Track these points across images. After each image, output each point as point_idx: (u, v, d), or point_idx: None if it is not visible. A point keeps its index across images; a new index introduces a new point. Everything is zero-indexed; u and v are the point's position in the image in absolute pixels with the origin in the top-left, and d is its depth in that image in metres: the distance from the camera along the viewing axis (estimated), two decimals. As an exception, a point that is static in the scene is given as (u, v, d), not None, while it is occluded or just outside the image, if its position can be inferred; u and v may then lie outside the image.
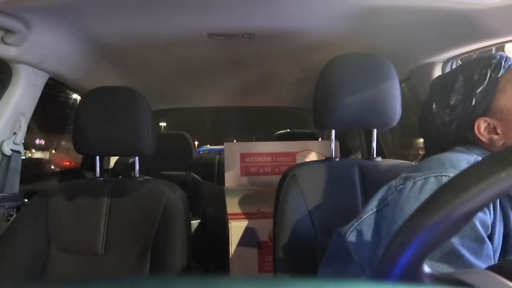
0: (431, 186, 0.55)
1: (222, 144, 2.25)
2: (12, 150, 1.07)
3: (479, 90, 0.63)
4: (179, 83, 1.77)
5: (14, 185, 1.10)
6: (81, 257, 0.98)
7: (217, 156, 2.51)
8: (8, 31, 0.90)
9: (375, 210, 0.63)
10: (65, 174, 1.97)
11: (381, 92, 0.90)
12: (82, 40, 1.11)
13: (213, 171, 2.40)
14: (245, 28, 1.05)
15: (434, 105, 0.69)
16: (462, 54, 1.12)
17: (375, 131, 1.01)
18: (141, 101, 1.02)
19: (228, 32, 1.08)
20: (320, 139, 2.36)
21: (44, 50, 1.04)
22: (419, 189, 0.56)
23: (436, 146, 0.69)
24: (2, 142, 1.05)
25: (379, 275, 0.33)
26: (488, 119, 0.62)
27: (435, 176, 0.56)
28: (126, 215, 1.01)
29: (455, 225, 0.29)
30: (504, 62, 0.63)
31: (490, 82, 0.63)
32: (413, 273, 0.31)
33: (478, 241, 0.50)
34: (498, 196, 0.28)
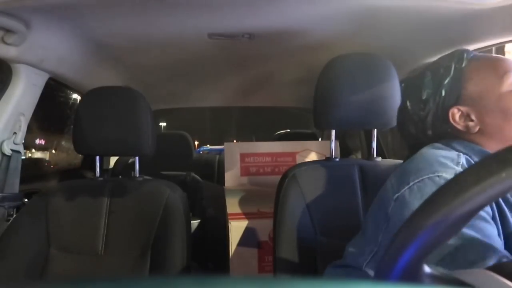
0: (430, 188, 0.55)
1: (222, 144, 2.25)
2: (12, 150, 1.07)
3: (446, 81, 0.67)
4: (179, 83, 1.77)
5: (14, 185, 1.10)
6: (81, 257, 0.98)
7: (217, 156, 2.51)
8: (8, 31, 0.90)
9: (383, 228, 0.63)
10: (65, 174, 1.97)
11: (381, 92, 0.90)
12: (82, 40, 1.11)
13: (213, 171, 2.40)
14: (245, 28, 1.05)
15: (408, 103, 0.73)
16: (462, 54, 1.12)
17: (375, 131, 1.01)
18: (141, 101, 1.02)
19: (228, 32, 1.08)
20: (320, 139, 2.36)
21: (44, 50, 1.04)
22: (419, 193, 0.56)
23: (418, 144, 0.71)
24: (2, 142, 1.05)
25: (380, 275, 0.33)
26: (460, 107, 0.65)
27: (428, 178, 0.56)
28: (126, 215, 1.01)
29: (455, 225, 0.29)
30: (466, 55, 0.67)
31: (455, 73, 0.66)
32: (413, 273, 0.31)
33: (486, 221, 0.51)
34: (498, 196, 0.28)
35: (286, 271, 0.88)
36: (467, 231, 0.49)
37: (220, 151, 3.04)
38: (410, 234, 0.30)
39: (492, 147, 0.62)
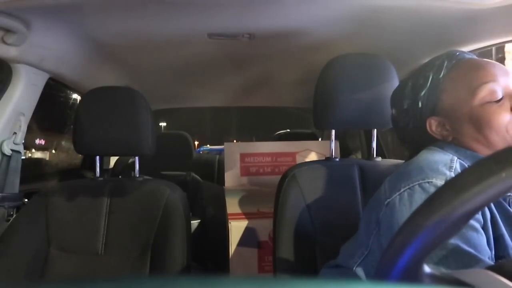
0: (419, 195, 0.56)
1: (222, 144, 2.25)
2: (12, 150, 1.07)
3: (422, 93, 0.68)
4: (179, 83, 1.77)
5: (14, 185, 1.10)
6: (81, 257, 0.98)
7: (217, 156, 2.51)
8: (8, 31, 0.90)
9: (374, 232, 0.64)
10: (65, 174, 1.97)
11: (381, 92, 0.90)
12: (82, 40, 1.11)
13: (213, 171, 2.39)
14: (245, 28, 1.05)
15: (393, 111, 0.75)
16: (462, 54, 1.11)
17: (375, 131, 1.01)
18: (141, 101, 1.02)
19: (228, 32, 1.08)
20: (320, 139, 2.36)
21: (44, 50, 1.04)
22: (408, 201, 0.57)
23: (410, 145, 0.73)
24: (2, 142, 1.05)
25: (379, 275, 0.33)
26: (437, 118, 0.66)
27: (418, 184, 0.57)
28: (126, 215, 1.01)
29: (455, 225, 0.29)
30: (448, 62, 0.66)
31: (432, 84, 0.67)
32: (413, 273, 0.31)
33: (474, 230, 0.51)
34: (498, 196, 0.28)
35: (286, 271, 0.88)
36: (452, 240, 0.49)
37: (220, 151, 3.04)
38: (410, 234, 0.30)
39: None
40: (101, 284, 0.21)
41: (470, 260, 0.48)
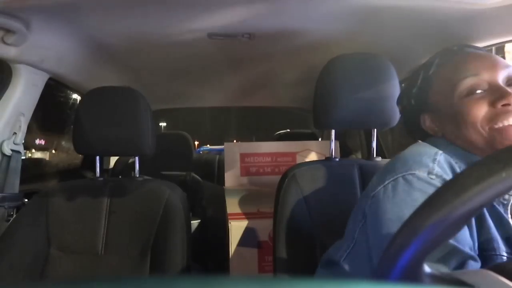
0: (402, 187, 0.56)
1: (222, 144, 2.26)
2: (12, 150, 1.07)
3: (414, 90, 0.70)
4: (179, 83, 1.77)
5: (14, 185, 1.10)
6: (81, 257, 0.98)
7: (217, 156, 2.51)
8: (8, 31, 0.89)
9: (360, 225, 0.64)
10: (65, 174, 1.97)
11: (381, 92, 0.90)
12: (82, 40, 1.11)
13: (213, 171, 2.40)
14: (245, 28, 1.05)
15: (399, 107, 0.79)
16: (462, 54, 1.11)
17: (375, 131, 1.01)
18: (141, 101, 1.02)
19: (228, 32, 1.08)
20: (320, 139, 2.36)
21: (44, 50, 1.04)
22: (392, 192, 0.57)
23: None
24: (2, 142, 1.05)
25: (379, 275, 0.33)
26: (427, 114, 0.68)
27: (402, 176, 0.57)
28: (126, 215, 1.01)
29: (455, 225, 0.29)
30: (439, 59, 0.67)
31: (422, 82, 0.69)
32: (413, 273, 0.32)
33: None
34: (498, 196, 0.28)
35: (286, 271, 0.88)
36: None
37: (220, 151, 3.04)
38: (410, 234, 0.30)
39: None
40: (101, 284, 0.21)
41: (452, 249, 0.48)
